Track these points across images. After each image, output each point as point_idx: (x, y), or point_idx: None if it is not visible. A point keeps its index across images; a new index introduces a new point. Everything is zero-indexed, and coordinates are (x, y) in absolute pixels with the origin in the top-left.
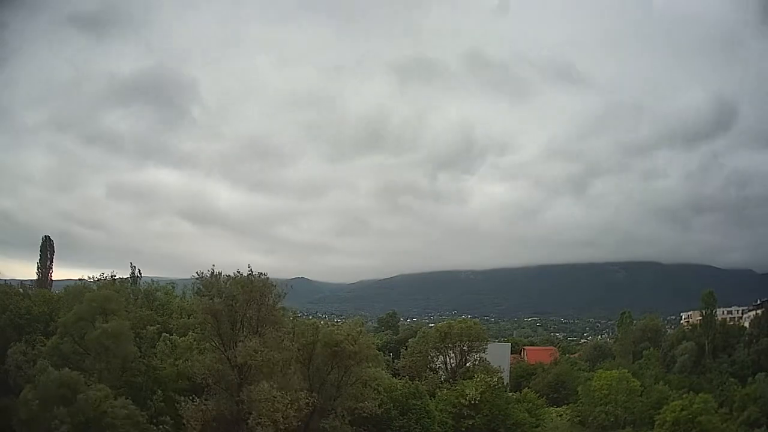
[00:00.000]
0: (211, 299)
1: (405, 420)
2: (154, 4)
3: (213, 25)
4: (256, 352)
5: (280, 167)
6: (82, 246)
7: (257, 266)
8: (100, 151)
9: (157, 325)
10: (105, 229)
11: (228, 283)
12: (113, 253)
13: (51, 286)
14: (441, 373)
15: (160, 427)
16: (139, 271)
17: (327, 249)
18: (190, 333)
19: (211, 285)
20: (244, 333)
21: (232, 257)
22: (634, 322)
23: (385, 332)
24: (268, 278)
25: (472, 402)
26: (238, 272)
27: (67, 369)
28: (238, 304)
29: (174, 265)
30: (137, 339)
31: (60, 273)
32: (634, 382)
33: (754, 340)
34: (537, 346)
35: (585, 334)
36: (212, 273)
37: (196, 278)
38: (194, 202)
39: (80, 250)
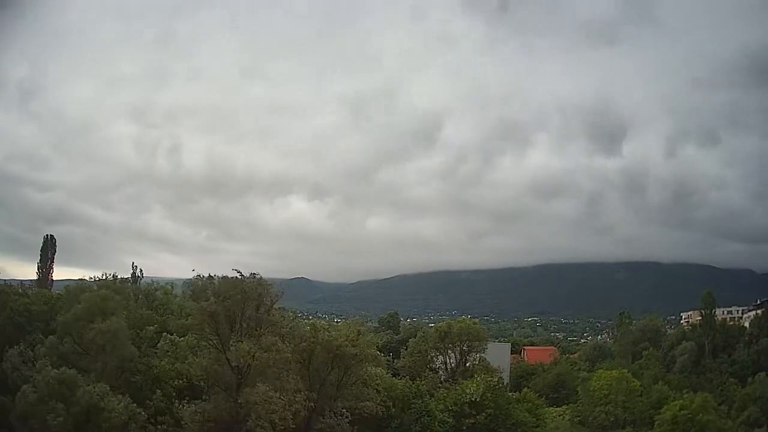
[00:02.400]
0: (207, 300)
1: (405, 419)
2: None
3: None
4: (251, 354)
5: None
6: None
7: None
8: None
9: (157, 325)
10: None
11: (221, 284)
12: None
13: (51, 286)
14: (441, 373)
15: (160, 426)
16: (141, 271)
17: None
18: (189, 333)
19: (204, 288)
20: (243, 334)
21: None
22: (634, 322)
23: (386, 332)
24: (261, 278)
25: (472, 402)
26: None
27: (65, 367)
28: (235, 304)
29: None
30: (137, 339)
31: (60, 273)
32: (633, 382)
33: (754, 340)
34: (537, 346)
35: (585, 334)
36: (201, 276)
37: (190, 282)
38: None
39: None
